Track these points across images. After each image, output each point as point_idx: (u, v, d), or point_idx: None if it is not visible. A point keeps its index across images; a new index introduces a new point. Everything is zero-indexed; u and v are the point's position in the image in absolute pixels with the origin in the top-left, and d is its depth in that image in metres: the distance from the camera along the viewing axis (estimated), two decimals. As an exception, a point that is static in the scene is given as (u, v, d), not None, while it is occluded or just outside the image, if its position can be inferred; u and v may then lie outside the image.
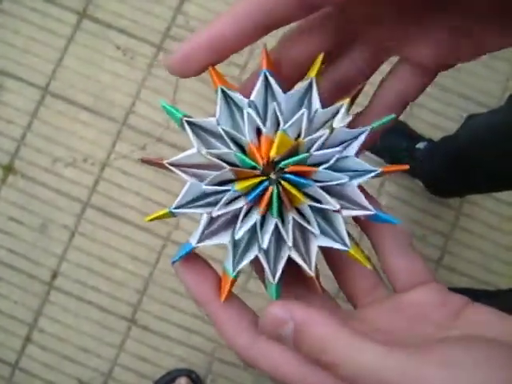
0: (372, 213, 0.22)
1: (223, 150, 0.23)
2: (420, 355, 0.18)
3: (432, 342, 0.19)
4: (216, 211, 0.23)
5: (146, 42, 1.36)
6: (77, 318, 1.30)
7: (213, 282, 0.24)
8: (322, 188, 0.23)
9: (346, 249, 0.23)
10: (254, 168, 0.22)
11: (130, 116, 1.34)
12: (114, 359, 1.29)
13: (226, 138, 0.23)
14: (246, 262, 0.23)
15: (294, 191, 0.22)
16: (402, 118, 1.22)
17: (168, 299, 1.29)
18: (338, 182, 0.22)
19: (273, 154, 0.22)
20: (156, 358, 1.29)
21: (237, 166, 0.23)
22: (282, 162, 0.22)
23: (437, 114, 1.32)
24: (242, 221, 0.23)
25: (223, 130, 0.23)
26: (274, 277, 0.23)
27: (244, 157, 0.22)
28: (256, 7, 0.22)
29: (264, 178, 0.23)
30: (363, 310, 0.24)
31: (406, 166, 0.22)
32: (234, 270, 0.23)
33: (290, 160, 0.22)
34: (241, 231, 0.23)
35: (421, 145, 1.23)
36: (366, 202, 0.23)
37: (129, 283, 1.30)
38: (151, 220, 0.24)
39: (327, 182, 0.23)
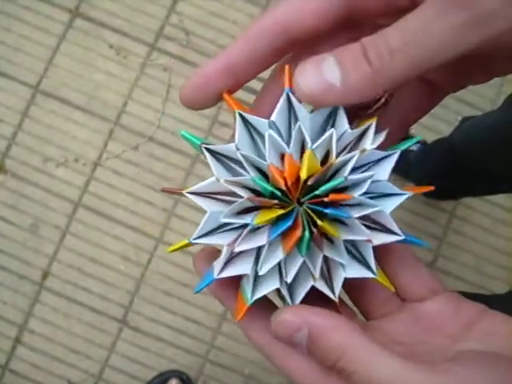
0: (402, 238, 0.22)
1: (241, 176, 0.22)
2: (436, 374, 0.18)
3: (448, 358, 0.19)
4: (238, 247, 0.22)
5: (140, 42, 1.35)
6: (67, 318, 1.29)
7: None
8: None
9: (373, 276, 0.22)
10: (274, 195, 0.21)
11: (122, 115, 1.33)
12: (105, 360, 1.28)
13: (245, 163, 0.22)
14: (266, 292, 0.23)
15: (328, 228, 0.21)
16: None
17: (159, 300, 1.29)
18: (373, 210, 0.22)
19: (303, 175, 0.21)
20: (147, 359, 1.28)
21: (260, 193, 0.22)
22: (320, 189, 0.21)
23: (430, 116, 1.32)
24: (266, 255, 0.22)
25: (242, 155, 0.22)
26: (293, 303, 0.23)
27: (262, 182, 0.21)
28: (274, 26, 0.21)
29: (288, 206, 0.21)
30: (376, 322, 0.24)
31: (432, 187, 0.23)
32: (251, 299, 0.22)
33: (328, 186, 0.21)
34: (265, 268, 0.22)
35: (414, 147, 1.23)
36: (395, 227, 0.23)
37: (120, 284, 1.29)
38: (173, 251, 0.24)
39: (360, 209, 0.22)
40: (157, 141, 1.32)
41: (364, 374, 0.18)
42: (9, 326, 1.28)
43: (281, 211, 0.21)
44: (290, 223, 0.21)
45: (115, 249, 1.30)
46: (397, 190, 0.23)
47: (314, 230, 0.21)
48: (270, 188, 0.21)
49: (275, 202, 0.21)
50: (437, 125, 1.30)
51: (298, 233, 0.21)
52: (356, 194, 0.22)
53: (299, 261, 0.22)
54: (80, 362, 1.28)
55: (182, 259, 1.29)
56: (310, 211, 0.22)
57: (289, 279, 0.22)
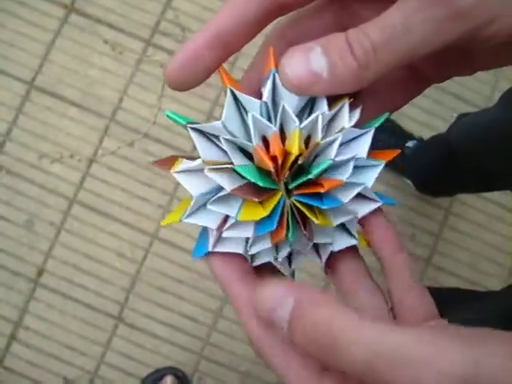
0: (381, 203, 0.24)
1: (225, 165, 0.21)
2: (434, 330, 0.17)
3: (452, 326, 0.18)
4: (225, 233, 0.22)
5: (135, 37, 1.34)
6: (63, 315, 1.28)
7: (238, 267, 0.23)
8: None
9: (356, 243, 0.24)
10: (260, 181, 0.21)
11: (117, 112, 1.32)
12: (101, 357, 1.27)
13: (227, 148, 0.21)
14: (259, 262, 0.24)
15: (323, 222, 0.22)
16: (391, 116, 1.22)
17: (155, 297, 1.28)
18: (360, 188, 0.23)
19: (295, 150, 0.21)
20: (143, 356, 1.28)
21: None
22: (313, 172, 0.21)
23: (427, 113, 1.32)
24: (254, 240, 0.23)
25: (225, 139, 0.21)
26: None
27: (247, 171, 0.21)
28: None
29: (274, 195, 0.22)
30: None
31: (397, 151, 0.23)
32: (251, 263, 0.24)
33: (319, 168, 0.21)
34: (254, 250, 0.23)
35: (410, 143, 1.23)
36: (373, 195, 0.24)
37: (115, 281, 1.29)
38: (166, 225, 0.23)
39: (347, 190, 0.23)
40: (152, 137, 1.32)
41: (360, 349, 0.16)
42: (4, 322, 1.28)
43: (264, 212, 0.21)
44: (273, 226, 0.21)
45: (110, 245, 1.29)
46: (371, 162, 0.23)
47: (304, 231, 0.22)
48: (254, 179, 0.21)
49: (262, 197, 0.21)
50: (433, 121, 1.30)
51: (282, 235, 0.22)
52: (344, 177, 0.22)
53: (287, 247, 0.23)
54: (75, 359, 1.27)
55: (178, 256, 1.28)
56: (299, 205, 0.22)
57: (280, 258, 0.23)
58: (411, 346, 0.16)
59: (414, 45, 0.19)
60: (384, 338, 0.16)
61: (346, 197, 0.22)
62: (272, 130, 0.22)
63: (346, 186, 0.22)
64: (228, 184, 0.21)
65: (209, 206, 0.22)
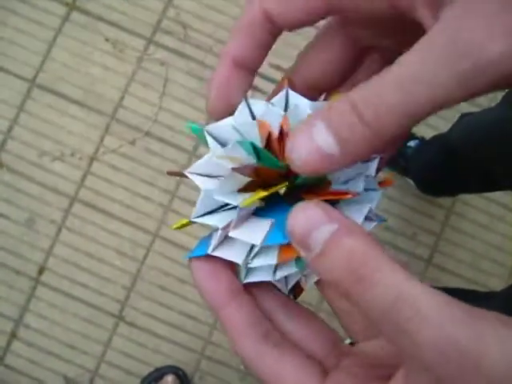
0: (376, 222, 0.23)
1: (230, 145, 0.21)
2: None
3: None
4: (231, 232, 0.21)
5: (137, 35, 1.34)
6: (63, 314, 1.28)
7: (226, 285, 0.22)
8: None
9: None
10: (269, 162, 0.20)
11: (118, 110, 1.32)
12: (101, 356, 1.27)
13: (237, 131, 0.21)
14: (255, 279, 0.23)
15: None
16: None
17: (156, 296, 1.28)
18: (367, 208, 0.22)
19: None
20: (143, 355, 1.28)
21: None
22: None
23: (429, 112, 1.31)
24: (259, 251, 0.22)
25: (234, 127, 0.21)
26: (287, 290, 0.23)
27: (251, 146, 0.20)
28: (261, 16, 0.21)
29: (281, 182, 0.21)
30: (363, 344, 0.23)
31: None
32: (243, 280, 0.23)
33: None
34: (256, 263, 0.22)
35: (412, 143, 1.23)
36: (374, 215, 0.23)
37: (116, 279, 1.29)
38: (176, 229, 0.22)
39: (356, 207, 0.22)
40: (153, 135, 1.31)
41: (391, 287, 0.16)
42: (4, 320, 1.28)
43: (264, 193, 0.20)
44: (285, 239, 0.20)
45: (111, 244, 1.29)
46: (373, 184, 0.23)
47: None
48: (264, 157, 0.20)
49: (264, 168, 0.20)
50: (435, 121, 1.30)
51: (293, 253, 0.20)
52: (357, 190, 0.22)
53: (293, 269, 0.22)
54: (76, 358, 1.27)
55: (179, 255, 1.28)
56: None
57: (277, 277, 0.22)
58: (446, 309, 0.15)
59: (436, 100, 0.17)
60: (417, 290, 0.16)
61: (358, 215, 0.22)
62: (281, 114, 0.21)
63: (353, 203, 0.22)
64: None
65: (215, 196, 0.21)
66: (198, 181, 0.22)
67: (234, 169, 0.20)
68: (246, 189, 0.21)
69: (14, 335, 1.28)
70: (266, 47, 0.22)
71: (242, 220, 0.21)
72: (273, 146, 0.21)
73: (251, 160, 0.21)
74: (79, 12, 1.34)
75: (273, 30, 0.22)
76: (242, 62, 0.22)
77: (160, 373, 1.25)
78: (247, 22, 0.21)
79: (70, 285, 1.29)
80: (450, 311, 0.15)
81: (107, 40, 1.34)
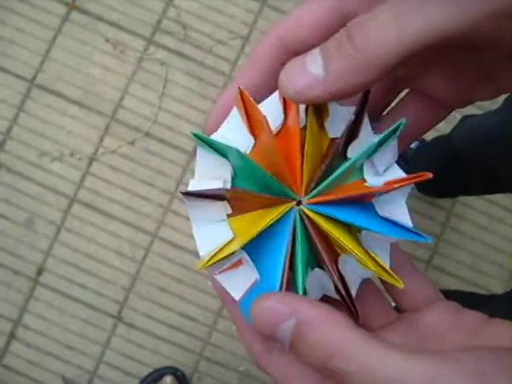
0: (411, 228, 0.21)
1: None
2: (449, 363, 0.16)
3: (457, 350, 0.17)
4: (216, 276, 0.21)
5: (137, 35, 1.34)
6: (62, 314, 1.28)
7: None
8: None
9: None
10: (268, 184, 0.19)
11: (118, 110, 1.31)
12: (100, 357, 1.27)
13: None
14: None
15: (343, 240, 0.19)
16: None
17: (155, 297, 1.28)
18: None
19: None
20: (142, 355, 1.27)
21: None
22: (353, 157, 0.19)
23: (429, 114, 1.31)
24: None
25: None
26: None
27: (240, 158, 0.19)
28: (275, 47, 0.21)
29: (283, 204, 0.20)
30: (375, 333, 0.23)
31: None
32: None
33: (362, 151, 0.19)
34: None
35: (412, 144, 1.22)
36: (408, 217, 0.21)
37: (115, 280, 1.28)
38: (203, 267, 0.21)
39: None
40: (153, 136, 1.31)
41: (365, 374, 0.16)
42: (3, 321, 1.27)
43: (264, 222, 0.19)
44: (275, 287, 0.19)
45: (110, 244, 1.29)
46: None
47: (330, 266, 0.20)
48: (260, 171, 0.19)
49: (266, 196, 0.19)
50: (435, 122, 1.30)
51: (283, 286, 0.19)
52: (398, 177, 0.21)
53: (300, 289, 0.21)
54: (74, 358, 1.27)
55: (178, 255, 1.28)
56: (316, 217, 0.19)
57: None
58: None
59: (426, 26, 0.16)
60: (394, 369, 0.16)
61: (402, 212, 0.21)
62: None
63: (391, 202, 0.21)
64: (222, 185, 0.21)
65: (195, 228, 0.21)
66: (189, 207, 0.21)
67: (225, 190, 0.20)
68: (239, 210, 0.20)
69: (12, 336, 1.27)
70: (274, 79, 0.21)
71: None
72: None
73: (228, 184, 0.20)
74: (79, 12, 1.34)
75: (286, 56, 0.21)
76: (249, 90, 0.21)
77: (159, 374, 1.24)
78: (260, 52, 0.21)
79: (68, 285, 1.28)
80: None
81: (107, 40, 1.33)
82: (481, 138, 0.91)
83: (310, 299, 0.18)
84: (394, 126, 0.20)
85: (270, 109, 0.21)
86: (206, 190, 0.20)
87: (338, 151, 0.20)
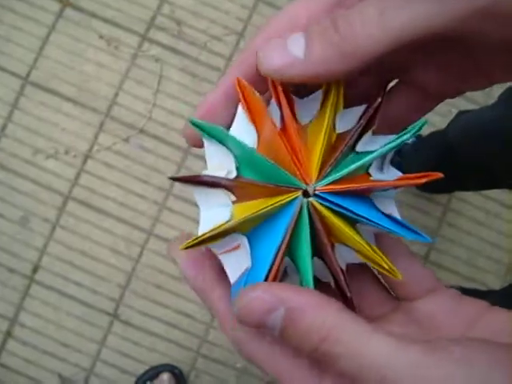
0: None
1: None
2: (436, 352, 0.16)
3: (447, 339, 0.17)
4: (220, 256, 0.21)
5: (131, 32, 1.33)
6: (58, 312, 1.28)
7: (212, 270, 0.22)
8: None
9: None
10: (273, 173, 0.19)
11: (113, 107, 1.31)
12: (96, 354, 1.27)
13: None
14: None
15: (351, 234, 0.19)
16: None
17: (151, 294, 1.28)
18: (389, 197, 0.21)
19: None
20: (138, 353, 1.27)
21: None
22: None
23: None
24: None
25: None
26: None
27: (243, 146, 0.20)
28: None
29: (288, 194, 0.19)
30: (373, 321, 0.23)
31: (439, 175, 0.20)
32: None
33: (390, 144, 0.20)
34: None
35: (409, 140, 1.22)
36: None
37: (111, 277, 1.28)
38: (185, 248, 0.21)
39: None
40: (148, 133, 1.30)
41: (353, 357, 0.16)
42: (-1, 319, 1.27)
43: (264, 207, 0.19)
44: (260, 277, 0.19)
45: (106, 242, 1.28)
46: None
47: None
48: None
49: (270, 186, 0.19)
50: (431, 117, 1.29)
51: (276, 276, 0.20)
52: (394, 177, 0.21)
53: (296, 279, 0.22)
54: (71, 356, 1.27)
55: (174, 252, 1.27)
56: (326, 211, 0.19)
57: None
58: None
59: (410, 22, 0.17)
60: (382, 353, 0.16)
61: (392, 208, 0.21)
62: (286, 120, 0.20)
63: (381, 196, 0.21)
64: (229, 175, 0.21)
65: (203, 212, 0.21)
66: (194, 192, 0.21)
67: (227, 180, 0.20)
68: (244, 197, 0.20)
69: (8, 334, 1.27)
70: (261, 82, 0.21)
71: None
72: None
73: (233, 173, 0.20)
74: (73, 9, 1.33)
75: None
76: (233, 96, 0.21)
77: (156, 371, 1.24)
78: (247, 54, 0.21)
79: (64, 283, 1.28)
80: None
81: (101, 37, 1.33)
82: (476, 133, 0.91)
83: (298, 287, 0.18)
84: (418, 125, 0.20)
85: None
86: (205, 177, 0.20)
87: (349, 144, 0.20)
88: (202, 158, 1.29)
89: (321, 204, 0.19)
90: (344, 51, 0.17)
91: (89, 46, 1.33)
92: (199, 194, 0.21)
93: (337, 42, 0.17)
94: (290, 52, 0.18)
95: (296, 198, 0.19)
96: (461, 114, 1.06)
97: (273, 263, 0.19)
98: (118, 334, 1.27)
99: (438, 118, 1.26)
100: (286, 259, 0.21)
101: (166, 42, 1.32)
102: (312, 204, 0.19)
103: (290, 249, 0.20)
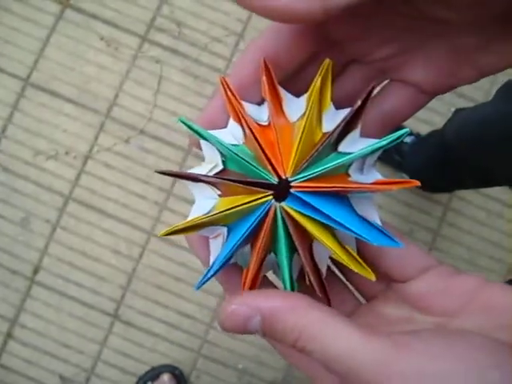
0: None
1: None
2: (395, 348, 0.17)
3: (407, 331, 0.19)
4: (210, 240, 0.23)
5: (131, 33, 1.33)
6: (59, 313, 1.28)
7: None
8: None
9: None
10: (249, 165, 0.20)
11: (113, 108, 1.31)
12: (97, 355, 1.27)
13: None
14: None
15: (322, 238, 0.20)
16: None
17: (152, 295, 1.28)
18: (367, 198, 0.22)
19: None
20: (139, 354, 1.27)
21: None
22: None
23: (424, 108, 1.30)
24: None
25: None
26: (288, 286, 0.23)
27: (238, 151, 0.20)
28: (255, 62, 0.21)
29: (259, 196, 0.20)
30: (369, 304, 0.24)
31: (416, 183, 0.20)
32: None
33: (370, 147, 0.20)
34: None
35: (408, 139, 1.22)
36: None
37: (112, 278, 1.28)
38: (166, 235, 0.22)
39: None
40: (148, 133, 1.31)
41: (323, 352, 0.18)
42: (0, 320, 1.27)
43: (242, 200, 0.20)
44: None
45: (106, 242, 1.29)
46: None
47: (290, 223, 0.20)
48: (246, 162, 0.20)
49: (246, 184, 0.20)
50: (431, 117, 1.29)
51: (254, 280, 0.21)
52: (374, 179, 0.22)
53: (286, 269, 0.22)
54: (72, 357, 1.27)
55: (175, 253, 1.28)
56: (295, 215, 0.20)
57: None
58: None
59: None
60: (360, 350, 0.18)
61: (372, 212, 0.22)
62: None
63: (362, 197, 0.22)
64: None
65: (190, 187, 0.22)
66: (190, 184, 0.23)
67: (206, 177, 0.21)
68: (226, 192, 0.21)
69: (9, 335, 1.27)
70: (256, 91, 0.22)
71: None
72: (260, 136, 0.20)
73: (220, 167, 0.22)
74: (73, 10, 1.33)
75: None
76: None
77: (156, 372, 1.24)
78: (241, 64, 0.22)
79: (65, 284, 1.28)
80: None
81: (101, 38, 1.33)
82: (474, 131, 0.91)
83: (271, 292, 0.20)
84: (398, 134, 0.20)
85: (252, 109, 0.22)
86: (187, 174, 0.21)
87: (329, 142, 0.20)
88: (203, 159, 1.29)
89: (292, 209, 0.19)
90: None
91: (89, 48, 1.33)
92: (193, 187, 0.23)
93: None
94: None
95: (267, 200, 0.19)
96: (458, 111, 1.06)
97: (226, 258, 0.20)
98: (119, 334, 1.27)
99: (438, 118, 1.27)
100: (272, 255, 0.22)
101: (166, 43, 1.33)
102: (284, 209, 0.19)
103: (273, 247, 0.22)
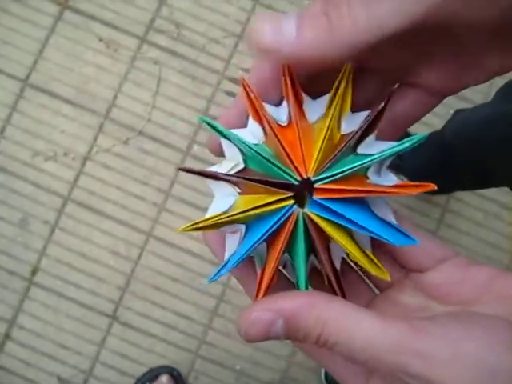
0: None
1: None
2: (413, 332, 0.18)
3: (426, 320, 0.19)
4: (227, 235, 0.23)
5: (130, 34, 1.33)
6: (57, 314, 1.27)
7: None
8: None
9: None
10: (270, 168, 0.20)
11: (112, 109, 1.31)
12: (95, 356, 1.27)
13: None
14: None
15: (345, 242, 0.20)
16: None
17: (150, 296, 1.28)
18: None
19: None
20: (138, 355, 1.27)
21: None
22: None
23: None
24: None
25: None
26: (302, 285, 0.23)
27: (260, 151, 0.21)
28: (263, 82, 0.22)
29: (289, 200, 0.20)
30: (385, 294, 0.25)
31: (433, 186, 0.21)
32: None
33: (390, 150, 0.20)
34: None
35: (409, 148, 1.22)
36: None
37: (110, 279, 1.28)
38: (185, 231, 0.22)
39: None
40: (147, 135, 1.31)
41: (344, 343, 0.18)
42: (-2, 321, 1.27)
43: (276, 204, 0.20)
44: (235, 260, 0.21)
45: (105, 244, 1.28)
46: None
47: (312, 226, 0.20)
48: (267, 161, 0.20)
49: (265, 187, 0.20)
50: (430, 119, 1.30)
51: (269, 282, 0.21)
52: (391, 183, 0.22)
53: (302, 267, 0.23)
54: (70, 358, 1.27)
55: (173, 254, 1.28)
56: (320, 221, 0.20)
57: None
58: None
59: (394, 9, 0.18)
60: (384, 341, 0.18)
61: (387, 213, 0.22)
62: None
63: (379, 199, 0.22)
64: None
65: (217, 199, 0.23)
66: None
67: (227, 176, 0.21)
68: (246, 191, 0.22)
69: (7, 336, 1.27)
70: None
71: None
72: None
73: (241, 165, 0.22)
74: (72, 11, 1.33)
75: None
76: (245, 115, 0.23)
77: (154, 373, 1.24)
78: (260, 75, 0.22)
79: (63, 285, 1.28)
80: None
81: (100, 39, 1.33)
82: (473, 132, 0.91)
83: (288, 294, 0.20)
84: (418, 137, 0.21)
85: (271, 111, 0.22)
86: (207, 172, 0.22)
87: (350, 144, 0.20)
88: (201, 160, 1.29)
89: (316, 215, 0.20)
90: (334, 37, 0.18)
91: (88, 49, 1.33)
92: (212, 184, 0.23)
93: (327, 28, 0.18)
94: (282, 31, 0.19)
95: (288, 204, 0.20)
96: (458, 112, 1.06)
97: (242, 256, 0.20)
98: (117, 335, 1.27)
99: (437, 120, 1.27)
100: (286, 255, 0.23)
101: (165, 45, 1.33)
102: (307, 215, 0.20)
103: (290, 248, 0.22)
